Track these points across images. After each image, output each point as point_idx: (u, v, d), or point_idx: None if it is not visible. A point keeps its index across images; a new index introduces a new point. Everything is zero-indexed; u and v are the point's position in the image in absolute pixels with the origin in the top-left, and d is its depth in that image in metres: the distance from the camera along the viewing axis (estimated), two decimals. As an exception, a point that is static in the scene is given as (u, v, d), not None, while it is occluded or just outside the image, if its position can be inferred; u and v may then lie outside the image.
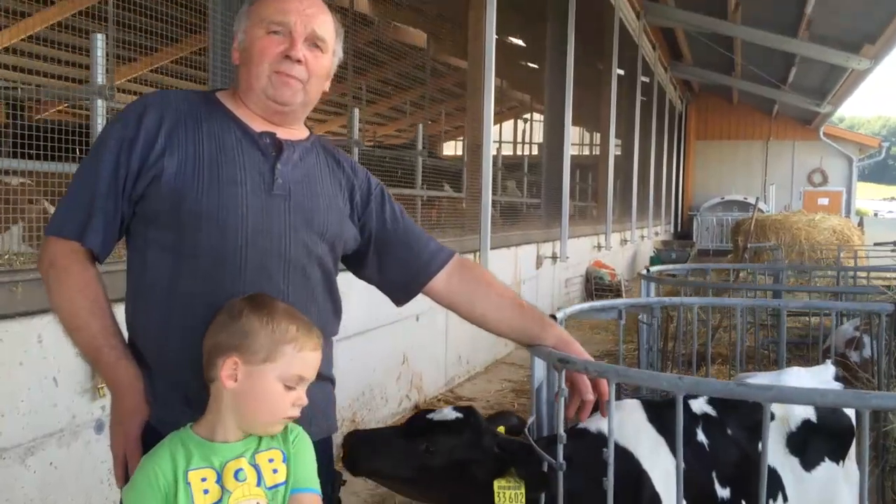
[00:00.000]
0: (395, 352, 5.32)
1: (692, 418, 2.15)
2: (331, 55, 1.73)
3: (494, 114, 7.18)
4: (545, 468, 1.88)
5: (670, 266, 6.39)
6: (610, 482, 1.76)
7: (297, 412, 1.47)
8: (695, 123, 25.06)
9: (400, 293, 1.91)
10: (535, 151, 14.34)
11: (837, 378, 2.50)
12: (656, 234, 19.37)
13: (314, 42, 1.67)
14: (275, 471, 1.45)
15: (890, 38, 12.15)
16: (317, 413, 1.66)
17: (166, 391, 1.58)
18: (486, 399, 5.84)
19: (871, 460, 2.82)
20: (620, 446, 1.93)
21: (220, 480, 1.40)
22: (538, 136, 13.25)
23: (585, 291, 11.07)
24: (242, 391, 1.42)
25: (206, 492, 1.38)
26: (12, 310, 2.56)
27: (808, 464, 2.19)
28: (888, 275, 6.35)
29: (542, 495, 1.90)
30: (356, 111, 5.33)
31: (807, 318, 5.35)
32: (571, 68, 9.77)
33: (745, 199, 21.20)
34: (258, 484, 1.42)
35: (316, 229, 1.68)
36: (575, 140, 12.12)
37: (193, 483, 1.38)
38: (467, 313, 1.93)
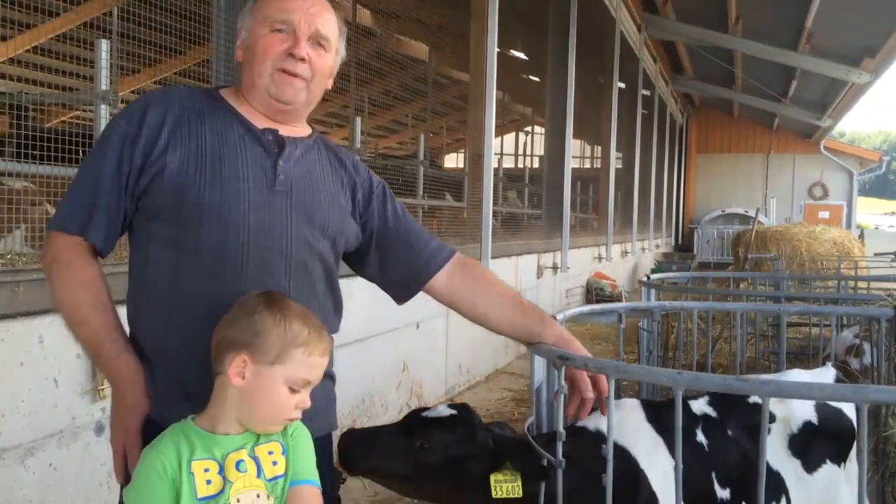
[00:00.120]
0: (396, 359, 5.32)
1: (692, 419, 2.15)
2: (334, 54, 1.75)
3: (496, 126, 7.20)
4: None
5: (671, 274, 6.38)
6: (609, 479, 1.76)
7: (298, 414, 1.48)
8: (695, 136, 25.11)
9: (401, 291, 1.92)
10: (536, 164, 14.36)
11: (838, 381, 2.50)
12: (657, 246, 19.37)
13: (318, 40, 1.68)
14: (274, 463, 1.45)
15: (890, 51, 12.22)
16: (317, 410, 1.66)
17: (167, 386, 1.59)
18: (485, 408, 5.82)
19: (871, 465, 2.81)
20: (618, 445, 1.92)
21: (222, 471, 1.40)
22: (539, 149, 13.28)
23: (586, 302, 11.08)
24: (249, 390, 1.42)
25: (208, 482, 1.38)
26: (14, 310, 2.56)
27: (810, 466, 2.19)
28: (889, 285, 6.33)
29: (542, 495, 1.90)
30: (358, 120, 5.35)
31: (807, 329, 5.33)
32: (573, 81, 9.81)
33: (746, 212, 21.18)
34: (258, 475, 1.43)
35: (317, 225, 1.68)
36: (576, 153, 12.14)
37: (196, 473, 1.38)
38: (468, 311, 1.93)
